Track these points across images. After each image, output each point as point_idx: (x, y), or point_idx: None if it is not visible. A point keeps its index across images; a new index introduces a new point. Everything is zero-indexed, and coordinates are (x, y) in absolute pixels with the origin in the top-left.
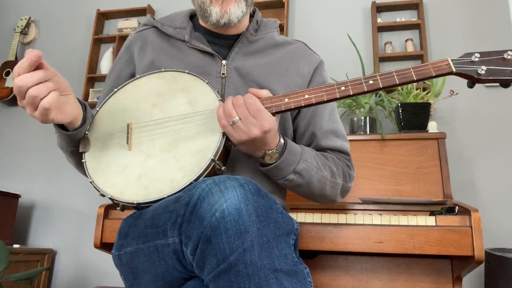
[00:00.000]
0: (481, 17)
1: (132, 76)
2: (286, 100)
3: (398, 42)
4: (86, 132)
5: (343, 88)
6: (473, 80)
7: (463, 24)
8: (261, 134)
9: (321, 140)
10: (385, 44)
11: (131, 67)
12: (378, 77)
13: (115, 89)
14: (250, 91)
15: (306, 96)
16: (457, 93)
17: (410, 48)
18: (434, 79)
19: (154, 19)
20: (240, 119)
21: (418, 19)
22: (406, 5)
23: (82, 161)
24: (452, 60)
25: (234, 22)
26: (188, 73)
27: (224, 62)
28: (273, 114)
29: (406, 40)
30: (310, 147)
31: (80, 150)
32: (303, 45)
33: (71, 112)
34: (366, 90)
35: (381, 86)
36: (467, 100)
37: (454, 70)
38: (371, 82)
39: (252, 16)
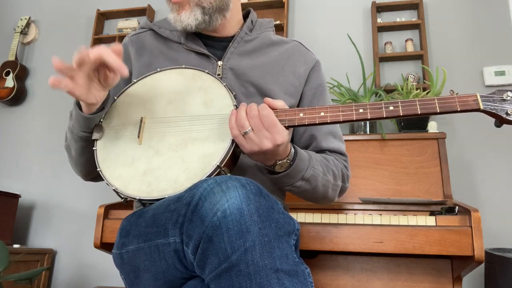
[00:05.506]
0: (481, 17)
1: (130, 75)
2: (301, 115)
3: (398, 42)
4: (101, 120)
5: (361, 110)
6: (501, 120)
7: (463, 24)
8: (273, 147)
9: (321, 141)
10: (385, 44)
11: (129, 67)
12: (399, 104)
13: (134, 80)
14: (265, 101)
15: (322, 114)
16: (457, 93)
17: (410, 48)
18: (434, 78)
19: (151, 22)
20: (252, 130)
21: (418, 19)
22: (406, 5)
23: (93, 148)
24: (481, 96)
25: (191, 27)
26: (208, 73)
27: (220, 63)
28: (286, 127)
29: (406, 40)
30: (310, 149)
31: (93, 138)
32: (299, 44)
33: (94, 97)
34: (384, 116)
35: (401, 114)
36: None
37: (481, 107)
38: (391, 108)
39: (246, 16)
